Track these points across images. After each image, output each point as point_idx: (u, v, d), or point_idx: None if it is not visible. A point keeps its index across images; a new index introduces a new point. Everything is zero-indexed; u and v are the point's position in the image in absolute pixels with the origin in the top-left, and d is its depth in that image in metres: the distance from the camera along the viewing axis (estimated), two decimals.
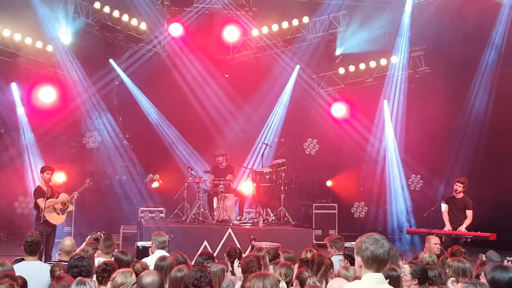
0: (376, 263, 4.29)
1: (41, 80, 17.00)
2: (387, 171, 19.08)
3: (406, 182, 19.09)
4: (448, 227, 12.10)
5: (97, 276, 6.20)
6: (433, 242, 9.65)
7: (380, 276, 4.31)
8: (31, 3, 15.68)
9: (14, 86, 16.83)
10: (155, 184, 17.59)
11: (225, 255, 8.31)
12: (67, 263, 6.91)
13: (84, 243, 8.83)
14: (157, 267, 6.62)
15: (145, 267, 6.57)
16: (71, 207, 12.13)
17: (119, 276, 5.60)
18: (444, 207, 12.30)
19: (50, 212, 11.64)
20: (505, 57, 16.07)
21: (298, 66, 18.56)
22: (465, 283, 5.14)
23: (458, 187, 12.16)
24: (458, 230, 11.87)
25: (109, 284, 5.64)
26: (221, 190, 14.38)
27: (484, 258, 8.27)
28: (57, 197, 11.82)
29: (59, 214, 11.82)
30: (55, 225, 11.89)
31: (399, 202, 18.90)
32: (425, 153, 18.02)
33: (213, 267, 6.28)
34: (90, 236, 9.19)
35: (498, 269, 5.40)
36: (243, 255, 7.83)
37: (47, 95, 17.04)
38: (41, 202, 11.55)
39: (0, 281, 5.72)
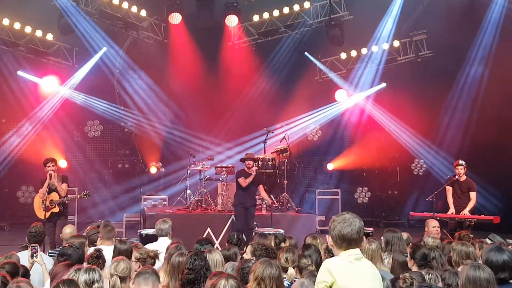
0: (345, 242, 4.30)
1: (41, 69, 16.96)
2: (391, 156, 19.11)
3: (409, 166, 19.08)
4: (452, 210, 12.02)
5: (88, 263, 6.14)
6: (432, 225, 9.60)
7: (356, 252, 4.34)
8: None
9: (17, 75, 16.56)
10: (153, 170, 17.57)
11: (226, 241, 8.30)
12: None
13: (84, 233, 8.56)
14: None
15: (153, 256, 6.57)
16: (56, 209, 11.14)
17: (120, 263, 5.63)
18: (448, 189, 12.22)
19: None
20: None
21: (299, 52, 18.43)
22: (466, 265, 5.15)
23: (461, 170, 12.06)
24: (461, 213, 11.80)
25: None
26: (224, 176, 14.36)
27: (489, 241, 8.24)
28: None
29: (43, 210, 11.01)
30: (59, 214, 11.19)
31: (403, 187, 18.93)
32: (429, 137, 18.03)
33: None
34: (90, 226, 8.97)
35: (493, 251, 5.43)
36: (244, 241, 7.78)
37: (47, 84, 17.02)
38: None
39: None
